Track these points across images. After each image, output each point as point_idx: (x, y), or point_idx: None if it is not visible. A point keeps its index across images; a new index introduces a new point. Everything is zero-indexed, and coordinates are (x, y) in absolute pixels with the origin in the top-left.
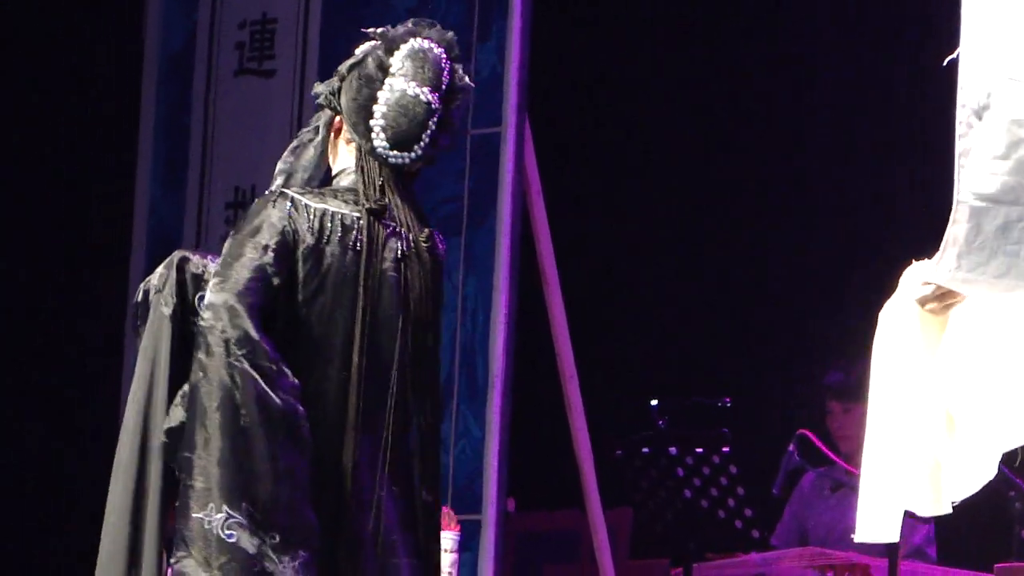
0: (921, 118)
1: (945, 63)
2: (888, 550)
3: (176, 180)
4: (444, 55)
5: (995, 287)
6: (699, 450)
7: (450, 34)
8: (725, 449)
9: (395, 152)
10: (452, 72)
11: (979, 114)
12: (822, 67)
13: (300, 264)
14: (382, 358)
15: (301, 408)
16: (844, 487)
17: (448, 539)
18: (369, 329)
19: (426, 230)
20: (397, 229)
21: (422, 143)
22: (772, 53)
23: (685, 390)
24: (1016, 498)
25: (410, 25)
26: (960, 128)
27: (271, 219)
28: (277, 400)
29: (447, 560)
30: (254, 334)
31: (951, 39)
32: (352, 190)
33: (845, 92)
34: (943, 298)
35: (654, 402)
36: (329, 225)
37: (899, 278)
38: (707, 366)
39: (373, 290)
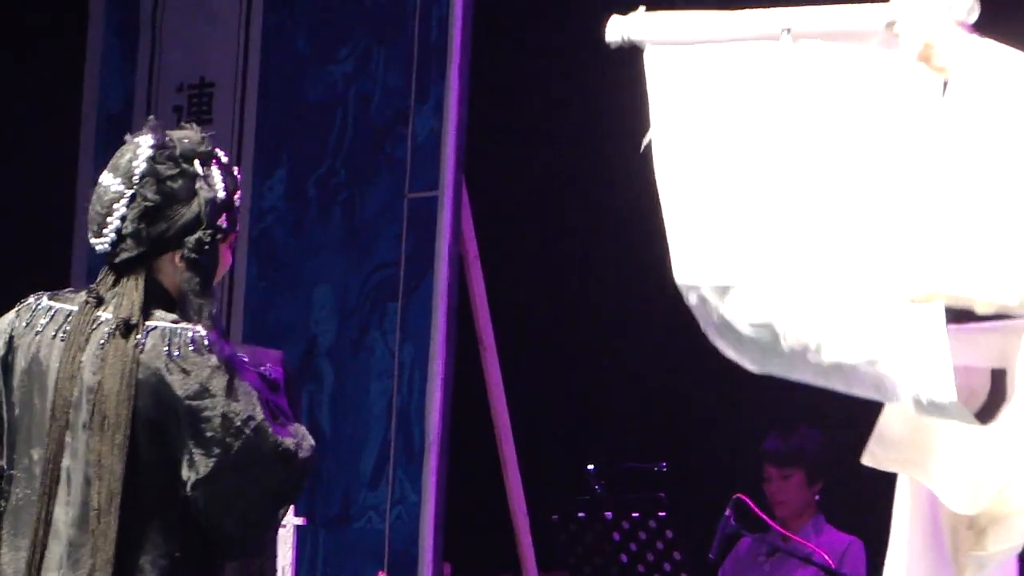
0: None
1: (642, 147)
2: None
3: None
4: (152, 147)
5: None
6: (635, 515)
7: (192, 135)
8: (661, 514)
9: (94, 239)
10: (153, 161)
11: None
12: None
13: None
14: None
15: None
16: (779, 552)
17: None
18: (49, 419)
19: (141, 331)
20: (105, 322)
21: (109, 227)
22: None
23: (621, 455)
24: None
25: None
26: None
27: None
28: None
29: None
30: None
31: None
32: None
33: None
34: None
35: (590, 467)
36: (43, 320)
37: None
38: (643, 431)
39: (62, 380)
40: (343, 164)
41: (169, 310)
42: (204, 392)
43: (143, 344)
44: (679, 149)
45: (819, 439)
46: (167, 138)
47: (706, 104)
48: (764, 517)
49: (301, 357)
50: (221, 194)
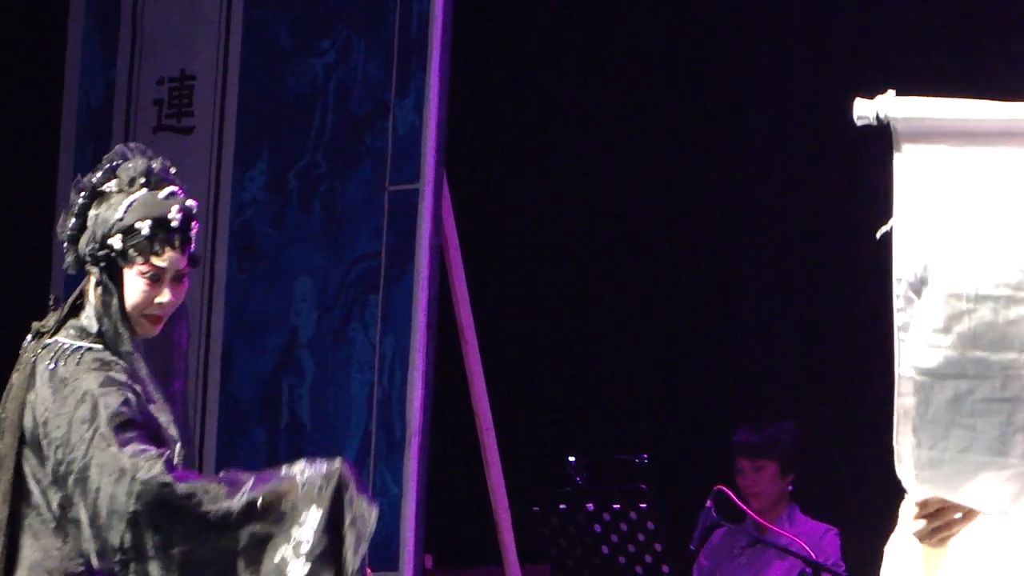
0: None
1: (878, 235)
2: None
3: None
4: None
5: (963, 465)
6: (616, 506)
7: (137, 162)
8: (643, 505)
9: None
10: (79, 187)
11: (916, 288)
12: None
13: None
14: None
15: None
16: (757, 543)
17: None
18: None
19: (57, 349)
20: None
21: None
22: (691, 122)
23: (603, 446)
24: None
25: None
26: (897, 302)
27: None
28: None
29: None
30: None
31: (886, 210)
32: None
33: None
34: (937, 530)
35: (572, 458)
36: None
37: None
38: (625, 422)
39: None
40: (324, 156)
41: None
42: (62, 408)
43: (37, 356)
44: (927, 249)
45: (792, 431)
46: (114, 163)
47: (968, 202)
48: (745, 509)
49: (282, 349)
50: (117, 216)
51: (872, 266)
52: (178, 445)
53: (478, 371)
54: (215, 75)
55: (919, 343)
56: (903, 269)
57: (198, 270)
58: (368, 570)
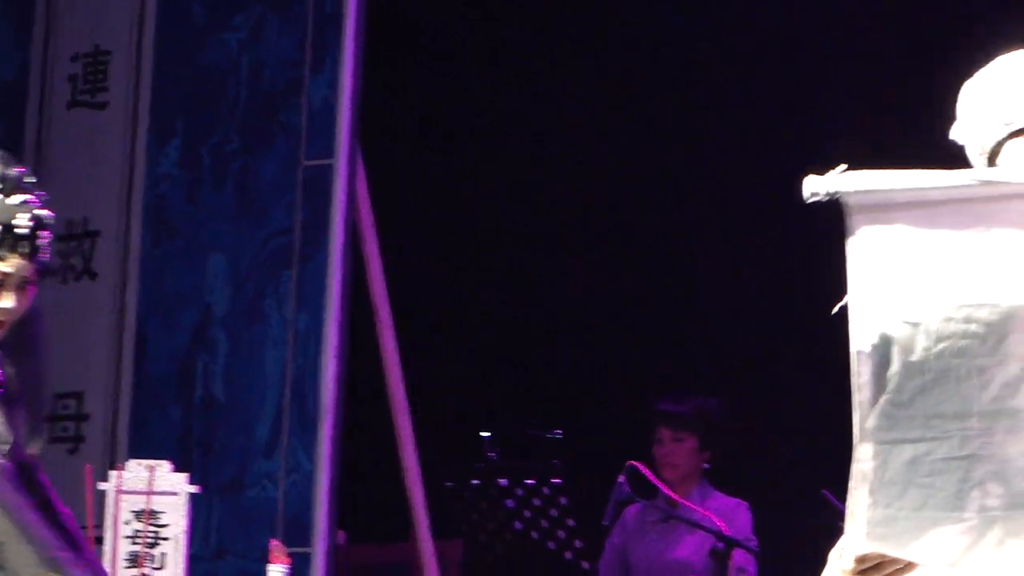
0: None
1: (834, 311)
2: None
3: None
4: None
5: (917, 522)
6: (530, 481)
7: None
8: (556, 480)
9: None
10: None
11: (875, 360)
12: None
13: None
14: None
15: None
16: (670, 519)
17: (278, 572)
18: None
19: None
20: None
21: None
22: (602, 101)
23: (517, 422)
24: None
25: None
26: (857, 377)
27: None
28: None
29: None
30: None
31: (841, 285)
32: None
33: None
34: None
35: (485, 434)
36: None
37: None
38: (539, 398)
39: None
40: (237, 132)
41: None
42: None
43: None
44: (884, 321)
45: (716, 407)
46: None
47: (921, 271)
48: (658, 484)
49: (196, 325)
50: None
51: (801, 242)
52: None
53: (392, 347)
54: (130, 51)
55: (880, 413)
56: (861, 342)
57: (113, 247)
58: (279, 543)
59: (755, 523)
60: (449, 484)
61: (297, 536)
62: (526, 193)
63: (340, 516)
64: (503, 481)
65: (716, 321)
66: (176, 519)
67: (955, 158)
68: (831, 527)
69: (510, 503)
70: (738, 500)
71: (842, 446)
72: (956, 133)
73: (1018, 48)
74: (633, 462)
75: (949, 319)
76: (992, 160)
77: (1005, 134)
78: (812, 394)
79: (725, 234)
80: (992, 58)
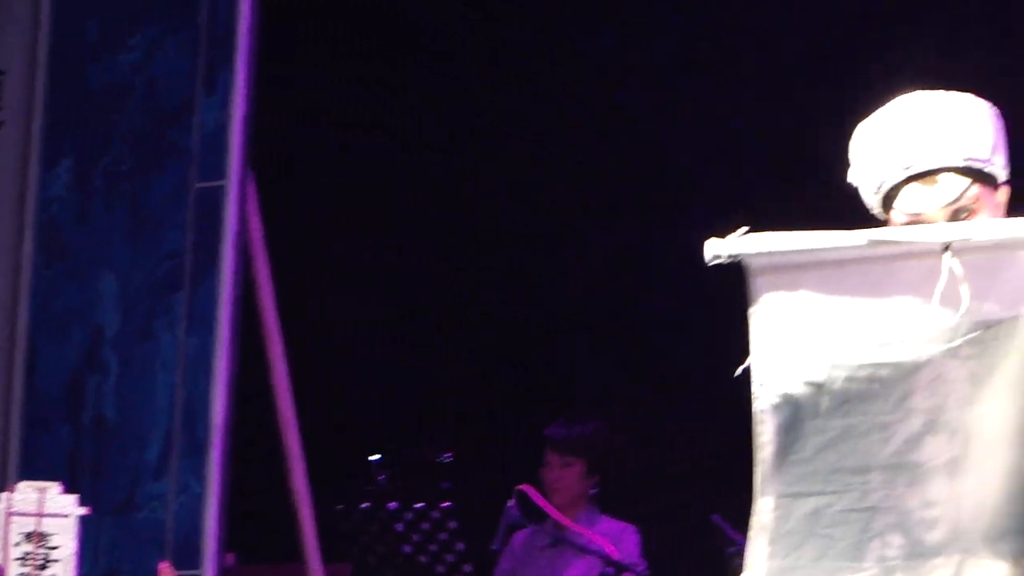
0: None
1: (737, 372)
2: None
3: None
4: None
5: (816, 573)
6: (419, 505)
7: None
8: (445, 504)
9: None
10: None
11: (778, 420)
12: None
13: None
14: None
15: None
16: (558, 543)
17: None
18: None
19: None
20: None
21: None
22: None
23: (406, 445)
24: (736, 554)
25: None
26: (761, 436)
27: None
28: None
29: None
30: None
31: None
32: None
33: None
34: None
35: (375, 457)
36: None
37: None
38: (429, 422)
39: None
40: (129, 153)
41: None
42: None
43: None
44: (786, 382)
45: (604, 432)
46: None
47: (822, 330)
48: (547, 508)
49: (87, 346)
50: None
51: (690, 261)
52: None
53: (282, 370)
54: (24, 71)
55: (781, 468)
56: (763, 402)
57: (5, 267)
58: (168, 564)
59: (643, 547)
60: (339, 507)
61: (186, 558)
62: (420, 216)
63: (229, 538)
64: (393, 504)
65: (607, 344)
66: (66, 541)
67: None
68: (720, 551)
69: (399, 526)
70: (626, 524)
71: (732, 472)
72: (852, 176)
73: (911, 90)
74: (522, 486)
75: (851, 379)
76: (888, 204)
77: (903, 177)
78: (703, 419)
79: (619, 256)
80: (886, 99)
